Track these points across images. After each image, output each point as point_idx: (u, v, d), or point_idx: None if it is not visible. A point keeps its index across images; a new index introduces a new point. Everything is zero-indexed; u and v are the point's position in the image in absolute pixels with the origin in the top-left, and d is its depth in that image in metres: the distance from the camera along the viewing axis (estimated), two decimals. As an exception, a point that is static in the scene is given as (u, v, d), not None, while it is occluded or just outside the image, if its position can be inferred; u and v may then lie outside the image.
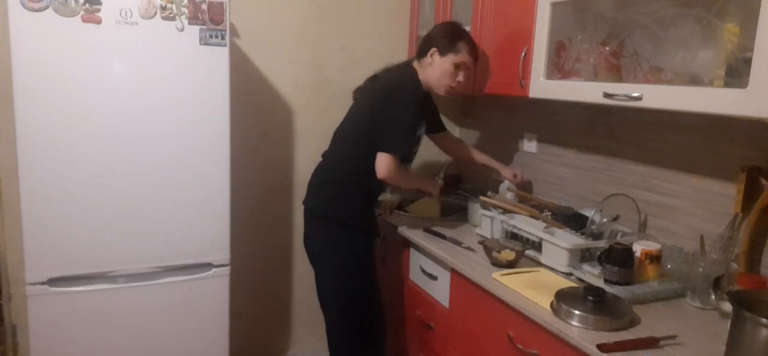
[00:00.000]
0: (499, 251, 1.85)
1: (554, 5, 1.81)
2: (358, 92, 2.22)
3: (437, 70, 2.06)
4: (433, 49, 2.06)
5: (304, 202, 2.19)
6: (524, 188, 2.38)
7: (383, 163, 1.95)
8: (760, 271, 1.58)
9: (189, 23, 1.93)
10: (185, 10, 1.91)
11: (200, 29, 1.94)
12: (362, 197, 2.10)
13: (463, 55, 2.06)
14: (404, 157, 2.04)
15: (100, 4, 1.80)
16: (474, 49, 2.10)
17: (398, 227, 2.25)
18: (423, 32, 2.65)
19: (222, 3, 1.96)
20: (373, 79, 2.18)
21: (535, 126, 2.44)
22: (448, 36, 2.07)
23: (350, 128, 2.11)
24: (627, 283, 1.60)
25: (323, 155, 2.19)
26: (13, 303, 2.27)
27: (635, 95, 1.52)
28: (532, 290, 1.62)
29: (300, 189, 2.66)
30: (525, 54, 1.96)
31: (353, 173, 2.04)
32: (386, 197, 2.39)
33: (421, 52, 2.11)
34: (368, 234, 2.14)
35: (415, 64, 2.13)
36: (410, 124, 2.00)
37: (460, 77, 2.08)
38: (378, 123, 1.97)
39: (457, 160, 2.60)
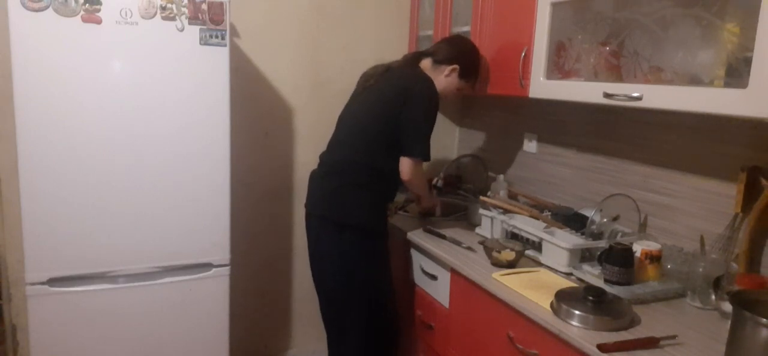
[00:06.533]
0: (499, 251, 1.85)
1: (554, 5, 1.81)
2: (367, 89, 2.10)
3: (449, 84, 2.13)
4: (457, 67, 2.11)
5: (311, 208, 2.12)
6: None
7: (409, 167, 1.99)
8: (760, 271, 1.58)
9: (189, 23, 1.93)
10: (185, 10, 1.91)
11: (200, 29, 1.94)
12: (380, 201, 2.08)
13: (471, 84, 2.18)
14: (425, 158, 2.03)
15: (100, 4, 1.80)
16: (477, 81, 2.22)
17: (408, 232, 2.21)
18: (423, 32, 2.67)
19: (222, 3, 1.96)
20: (386, 73, 2.08)
21: (535, 126, 2.44)
22: (475, 67, 2.17)
23: (362, 132, 2.03)
24: (627, 283, 1.60)
25: (328, 160, 2.10)
26: (13, 303, 2.27)
27: (635, 95, 1.52)
28: (532, 290, 1.62)
29: (300, 189, 2.66)
30: (525, 54, 1.96)
31: (371, 177, 2.01)
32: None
33: (442, 58, 2.11)
34: (386, 238, 2.11)
35: (427, 63, 2.13)
36: (430, 129, 2.02)
37: (455, 95, 2.22)
38: (394, 126, 1.96)
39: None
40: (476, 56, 2.17)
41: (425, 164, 2.07)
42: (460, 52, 2.14)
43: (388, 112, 1.98)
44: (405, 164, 1.99)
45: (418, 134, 1.98)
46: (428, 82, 2.04)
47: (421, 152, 1.99)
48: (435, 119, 2.03)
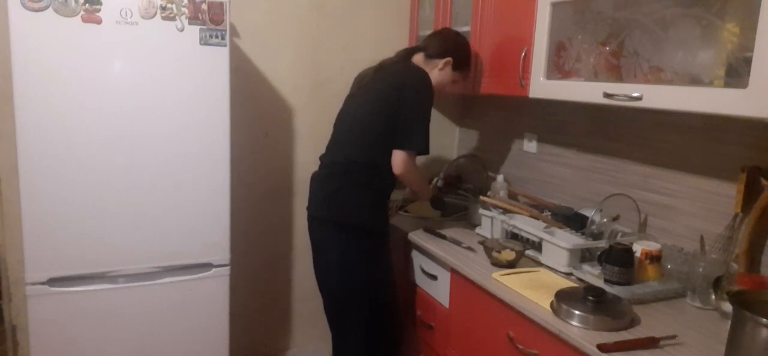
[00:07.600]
0: (499, 251, 1.85)
1: (554, 5, 1.81)
2: (362, 88, 2.11)
3: (443, 77, 2.13)
4: (451, 60, 2.11)
5: (312, 210, 2.11)
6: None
7: (401, 159, 1.96)
8: (760, 271, 1.58)
9: (189, 23, 1.92)
10: (185, 10, 1.91)
11: (200, 29, 1.94)
12: (380, 200, 2.07)
13: (464, 75, 2.19)
14: (421, 151, 2.01)
15: (100, 4, 1.80)
16: (470, 73, 2.24)
17: (408, 232, 2.21)
18: (423, 32, 2.67)
19: (222, 3, 1.96)
20: (379, 70, 2.11)
21: (535, 126, 2.44)
22: (467, 58, 2.18)
23: (361, 131, 2.02)
24: (627, 283, 1.60)
25: (328, 161, 2.09)
26: (13, 303, 2.27)
27: (635, 95, 1.52)
28: (532, 290, 1.62)
29: (300, 189, 2.67)
30: (525, 54, 1.96)
31: (371, 176, 2.00)
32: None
33: (434, 52, 2.12)
34: (387, 237, 2.11)
35: (420, 58, 2.13)
36: (426, 120, 2.00)
37: (450, 88, 2.23)
38: (392, 122, 1.95)
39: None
40: (467, 47, 2.18)
41: (423, 159, 2.05)
42: (453, 45, 2.14)
43: (386, 110, 1.97)
44: (397, 158, 1.96)
45: (413, 127, 1.96)
46: (423, 74, 2.03)
47: (415, 145, 1.97)
48: (430, 111, 2.01)
